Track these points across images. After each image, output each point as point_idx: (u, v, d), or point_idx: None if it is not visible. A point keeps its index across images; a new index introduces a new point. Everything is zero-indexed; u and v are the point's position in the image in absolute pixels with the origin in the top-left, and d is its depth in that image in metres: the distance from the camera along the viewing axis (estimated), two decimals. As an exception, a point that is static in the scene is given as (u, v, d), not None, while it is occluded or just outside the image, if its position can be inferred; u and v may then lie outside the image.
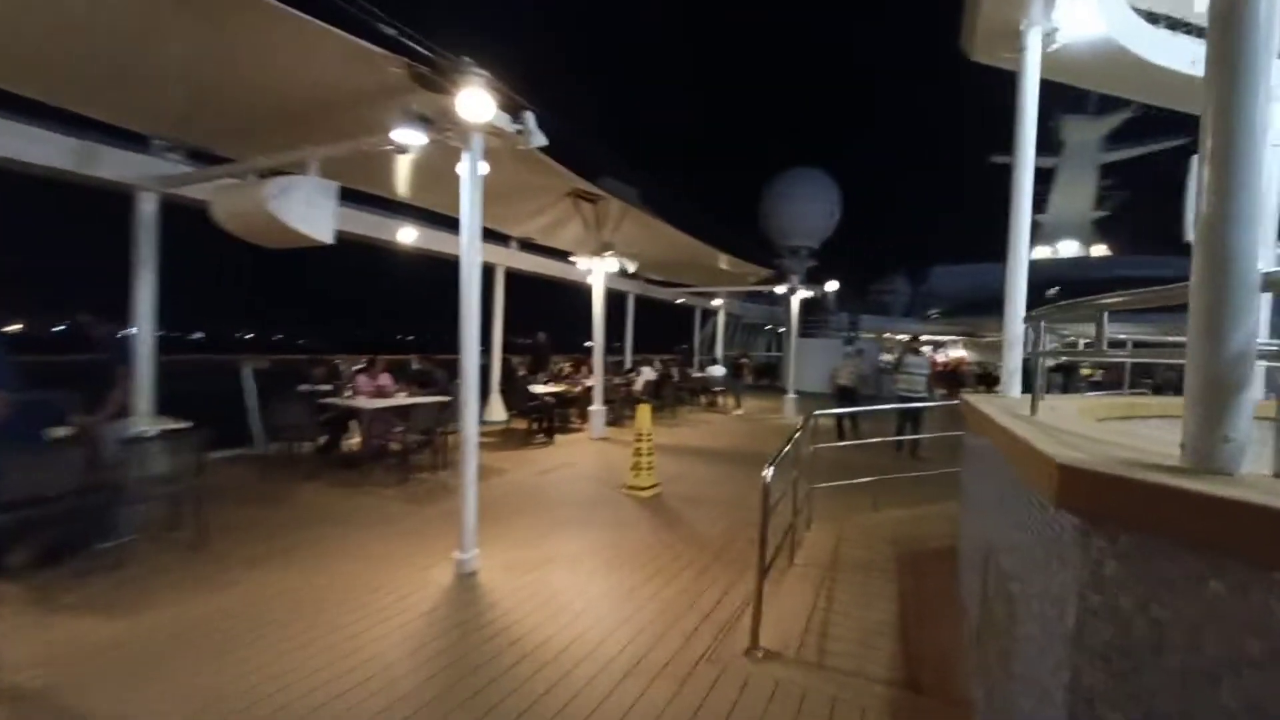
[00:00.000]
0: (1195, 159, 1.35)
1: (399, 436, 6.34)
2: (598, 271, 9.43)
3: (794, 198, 26.89)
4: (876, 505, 5.40)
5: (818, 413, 4.70)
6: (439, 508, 5.31)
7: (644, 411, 6.14)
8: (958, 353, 30.95)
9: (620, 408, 10.79)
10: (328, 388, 7.26)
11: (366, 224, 7.89)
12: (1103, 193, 41.53)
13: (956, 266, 39.24)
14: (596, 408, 9.37)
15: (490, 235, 10.46)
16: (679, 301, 17.01)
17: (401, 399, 6.74)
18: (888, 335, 29.61)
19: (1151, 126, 37.60)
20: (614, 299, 15.78)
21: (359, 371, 7.41)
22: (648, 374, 11.36)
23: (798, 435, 3.97)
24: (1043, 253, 40.09)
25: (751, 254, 14.99)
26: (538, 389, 9.14)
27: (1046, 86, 4.18)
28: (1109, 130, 39.43)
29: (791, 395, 13.01)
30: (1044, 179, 41.61)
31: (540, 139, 3.91)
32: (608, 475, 6.77)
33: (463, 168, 3.73)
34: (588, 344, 10.61)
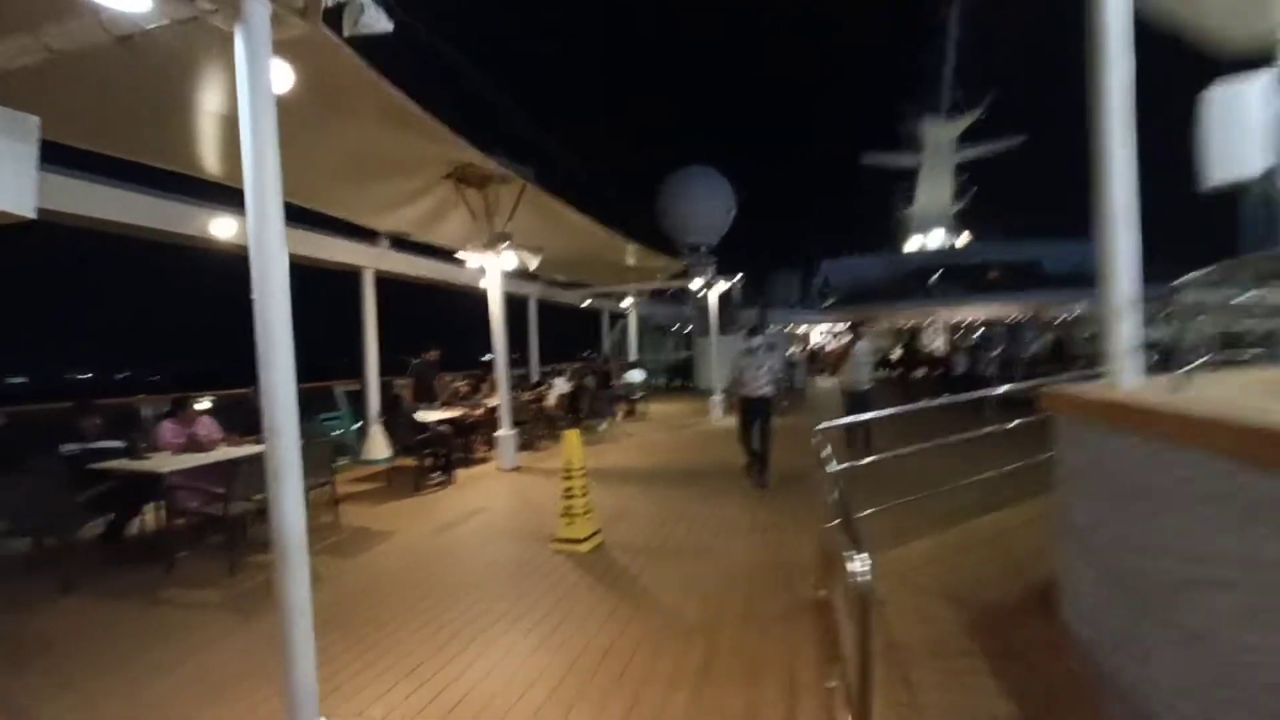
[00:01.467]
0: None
1: (220, 505, 4.40)
2: (493, 270, 7.80)
3: (693, 196, 26.39)
4: (895, 533, 4.32)
5: (825, 425, 3.50)
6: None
7: (572, 440, 4.67)
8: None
9: (533, 428, 9.19)
10: (114, 444, 5.09)
11: (161, 213, 5.76)
12: (959, 187, 45.33)
13: (842, 259, 41.08)
14: (505, 432, 7.73)
15: (353, 232, 8.49)
16: (586, 304, 15.60)
17: (221, 452, 4.78)
18: (795, 328, 30.05)
19: (991, 130, 41.67)
20: (513, 305, 14.09)
21: (164, 417, 5.31)
22: (561, 386, 9.85)
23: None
24: (914, 243, 43.06)
25: (657, 248, 13.92)
26: (429, 416, 7.35)
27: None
28: (960, 131, 43.07)
29: (718, 397, 12.03)
30: (909, 176, 44.83)
31: (380, 20, 2.33)
32: (530, 523, 5.22)
33: (239, 70, 2.07)
34: (486, 357, 8.92)
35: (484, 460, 8.24)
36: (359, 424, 8.51)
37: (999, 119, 42.77)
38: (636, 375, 13.06)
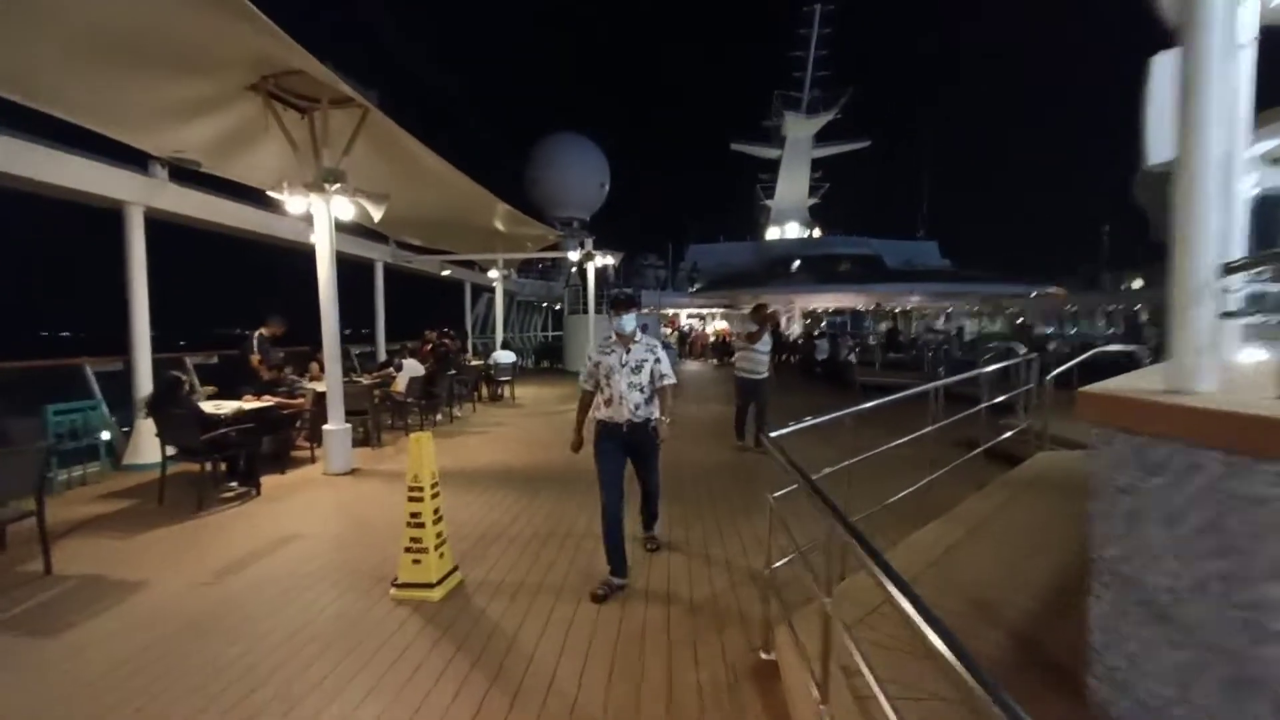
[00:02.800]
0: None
1: None
2: (321, 219, 6.08)
3: (566, 166, 24.96)
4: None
5: (778, 434, 2.64)
6: None
7: (421, 447, 3.40)
8: (721, 324, 32.91)
9: (375, 419, 7.55)
10: None
11: None
12: (814, 183, 48.38)
13: (709, 245, 42.04)
14: (334, 426, 6.11)
15: (110, 149, 6.18)
16: (445, 274, 13.76)
17: None
18: (666, 310, 29.93)
19: (844, 130, 44.81)
20: (358, 271, 11.93)
21: None
22: (412, 368, 8.26)
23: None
24: (774, 233, 45.31)
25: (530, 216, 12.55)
26: (223, 408, 5.53)
27: None
28: (817, 129, 45.79)
29: (593, 380, 11.08)
30: (771, 168, 46.91)
31: None
32: (362, 557, 3.87)
33: None
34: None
35: (308, 459, 6.53)
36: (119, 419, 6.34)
37: (852, 121, 46.02)
38: (505, 356, 11.67)
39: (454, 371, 9.58)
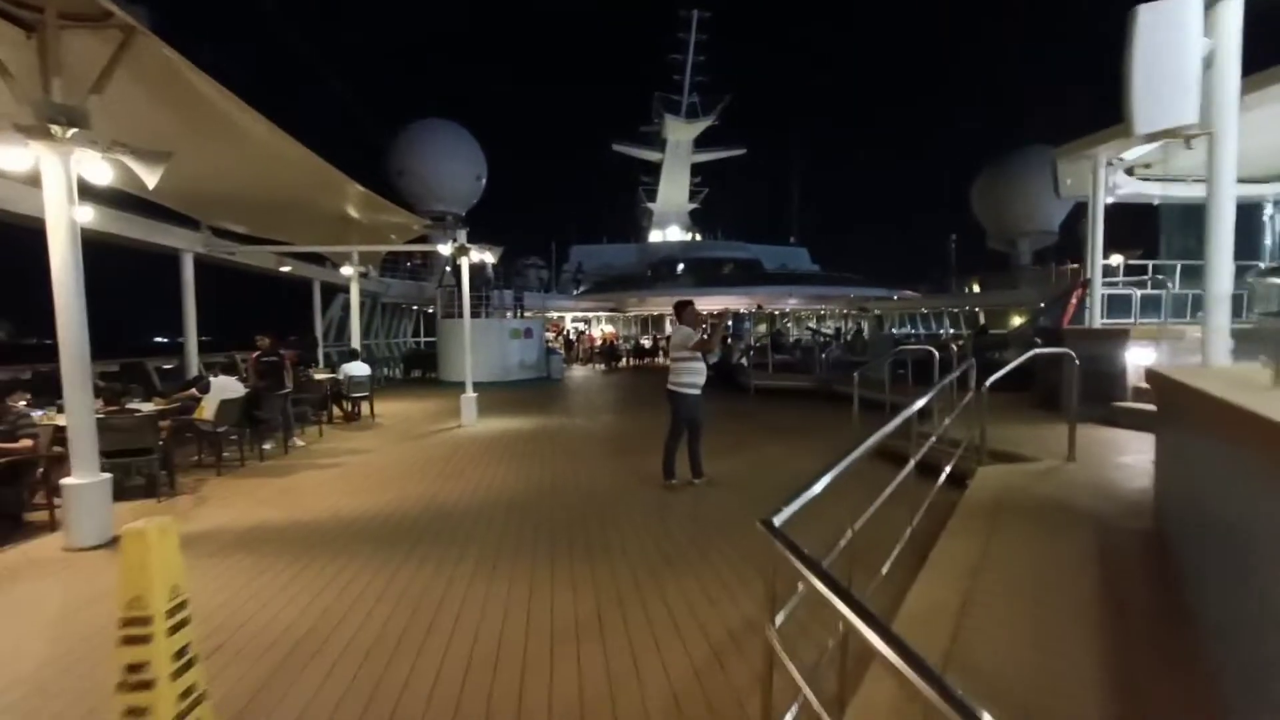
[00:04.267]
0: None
1: None
2: (53, 179, 4.19)
3: (439, 154, 22.62)
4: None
5: (784, 515, 1.61)
6: None
7: (148, 545, 1.93)
8: (608, 328, 32.07)
9: (171, 457, 5.59)
10: None
11: None
12: (694, 188, 49.25)
13: (593, 246, 41.14)
14: (81, 479, 4.23)
15: None
16: (285, 270, 11.45)
17: None
18: (551, 314, 28.44)
19: (722, 136, 46.00)
20: (158, 263, 9.41)
21: None
22: (225, 387, 6.33)
23: None
24: (657, 235, 45.45)
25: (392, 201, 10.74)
26: None
27: None
28: (696, 134, 46.62)
29: (470, 394, 9.57)
30: (653, 171, 47.02)
31: None
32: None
33: None
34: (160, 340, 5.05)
35: (47, 528, 4.54)
36: None
37: (730, 128, 47.30)
38: (357, 369, 9.77)
39: (287, 389, 7.67)
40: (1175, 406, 2.94)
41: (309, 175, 8.04)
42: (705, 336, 5.70)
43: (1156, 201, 9.04)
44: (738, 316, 33.75)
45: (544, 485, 5.89)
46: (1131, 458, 4.87)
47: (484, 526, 4.63)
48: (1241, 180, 2.93)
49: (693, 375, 5.56)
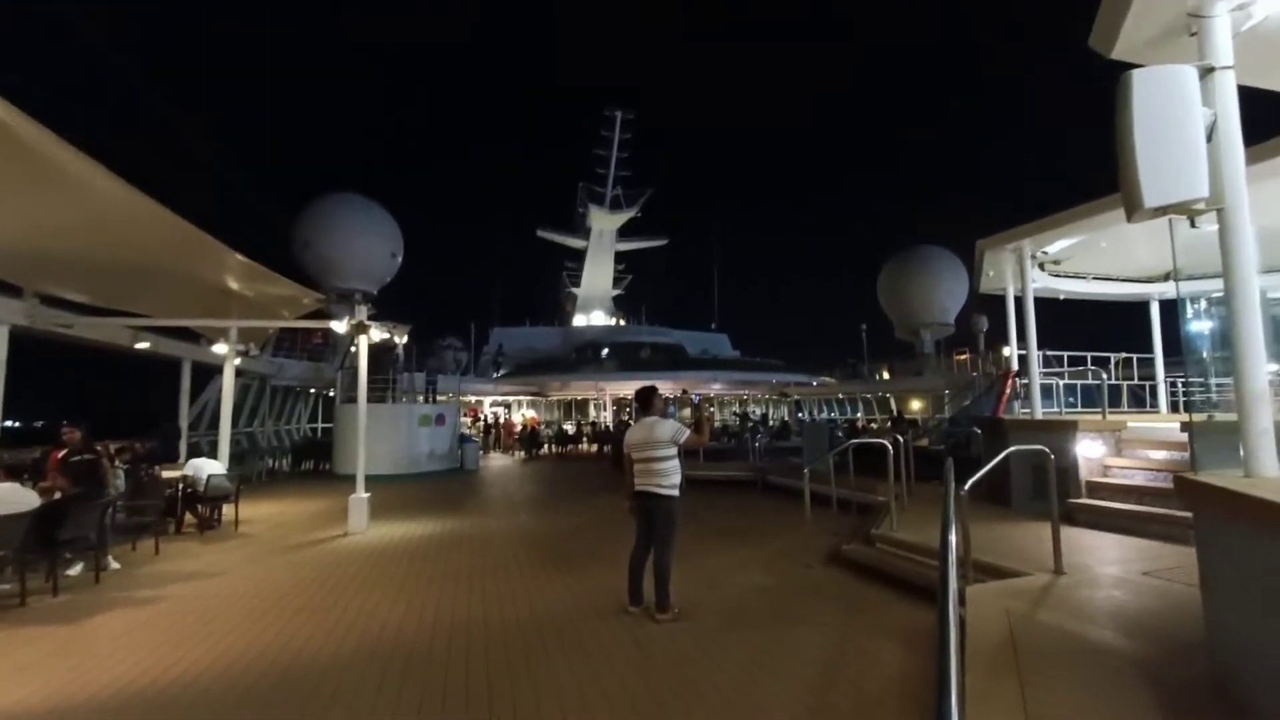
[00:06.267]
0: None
1: None
2: None
3: (350, 229, 21.38)
4: None
5: None
6: None
7: None
8: (529, 413, 30.61)
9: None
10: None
11: None
12: (618, 274, 50.19)
13: (515, 329, 40.24)
14: None
15: None
16: (141, 346, 9.69)
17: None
18: (468, 397, 26.74)
19: (644, 226, 47.70)
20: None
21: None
22: (6, 499, 4.72)
23: None
24: (580, 320, 45.39)
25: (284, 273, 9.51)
26: None
27: None
28: (619, 224, 48.12)
29: (361, 494, 8.09)
30: (577, 257, 47.67)
31: None
32: None
33: None
34: None
35: None
36: None
37: (652, 219, 49.17)
38: (209, 466, 8.07)
39: (108, 496, 5.97)
40: (1238, 528, 2.38)
41: (174, 239, 6.81)
42: (691, 427, 4.92)
43: (1062, 296, 9.46)
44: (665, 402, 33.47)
45: (442, 622, 4.61)
46: (1118, 568, 4.38)
47: (351, 698, 3.33)
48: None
49: (678, 474, 4.64)
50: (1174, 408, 9.27)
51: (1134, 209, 2.69)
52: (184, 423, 11.37)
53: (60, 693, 3.43)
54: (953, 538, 2.32)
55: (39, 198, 5.40)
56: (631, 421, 5.70)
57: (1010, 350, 9.69)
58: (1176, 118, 2.59)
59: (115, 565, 6.01)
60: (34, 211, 5.71)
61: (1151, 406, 9.52)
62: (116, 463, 7.04)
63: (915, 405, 26.43)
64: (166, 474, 8.04)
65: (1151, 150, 2.59)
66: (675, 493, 4.62)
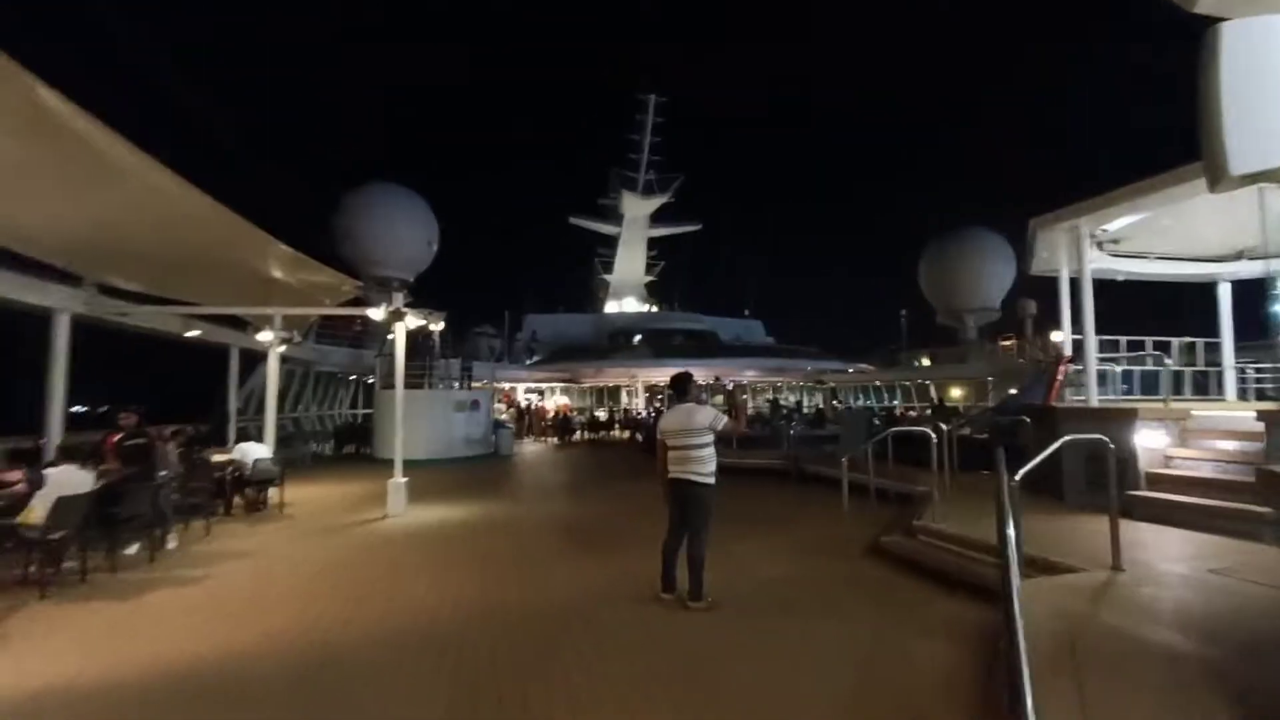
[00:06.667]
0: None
1: None
2: None
3: (388, 218, 21.76)
4: None
5: None
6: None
7: None
8: (562, 399, 30.86)
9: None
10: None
11: None
12: (650, 260, 49.94)
13: (550, 315, 40.49)
14: None
15: None
16: (192, 334, 10.07)
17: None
18: (502, 384, 27.12)
19: (678, 211, 47.20)
20: (27, 325, 7.96)
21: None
22: (65, 481, 4.96)
23: None
24: (613, 306, 45.37)
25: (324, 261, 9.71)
26: None
27: None
28: (652, 210, 47.76)
29: (399, 479, 8.25)
30: (610, 244, 47.55)
31: None
32: None
33: None
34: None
35: None
36: None
37: (685, 204, 48.64)
38: (255, 450, 8.33)
39: (161, 478, 6.21)
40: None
41: (228, 233, 7.01)
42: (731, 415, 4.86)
43: (1121, 278, 8.93)
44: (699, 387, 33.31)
45: (476, 606, 4.65)
46: (1182, 565, 4.11)
47: (384, 683, 3.38)
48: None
49: (714, 462, 4.58)
50: (1242, 395, 8.69)
51: (1219, 177, 2.45)
52: (232, 408, 11.80)
53: (100, 669, 3.55)
54: (1010, 531, 2.17)
55: (106, 196, 5.61)
56: (664, 408, 5.61)
57: (1062, 335, 9.21)
58: (1272, 75, 2.34)
59: (173, 545, 6.27)
60: (100, 209, 5.94)
61: (1217, 394, 8.94)
62: (170, 445, 7.33)
63: (955, 393, 25.65)
64: (215, 458, 8.34)
65: (1242, 111, 2.35)
66: (711, 480, 4.55)
